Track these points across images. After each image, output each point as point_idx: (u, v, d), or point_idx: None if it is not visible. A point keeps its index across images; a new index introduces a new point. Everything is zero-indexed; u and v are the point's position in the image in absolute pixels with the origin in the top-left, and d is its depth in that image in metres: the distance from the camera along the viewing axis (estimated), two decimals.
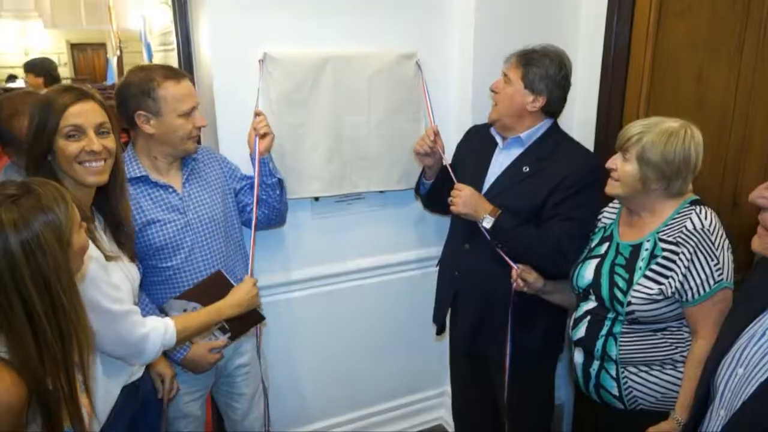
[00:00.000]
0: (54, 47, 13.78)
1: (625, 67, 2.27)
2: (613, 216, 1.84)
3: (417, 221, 2.62)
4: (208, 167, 2.00)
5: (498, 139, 2.04)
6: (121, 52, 11.24)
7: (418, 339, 2.75)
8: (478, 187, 2.00)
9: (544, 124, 1.96)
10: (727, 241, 1.60)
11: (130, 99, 1.78)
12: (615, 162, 1.69)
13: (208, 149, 2.08)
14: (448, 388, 2.86)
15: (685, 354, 1.65)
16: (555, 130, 1.98)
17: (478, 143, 2.13)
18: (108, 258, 1.45)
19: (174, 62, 2.64)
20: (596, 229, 1.87)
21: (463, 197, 1.93)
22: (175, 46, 2.54)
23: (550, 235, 1.87)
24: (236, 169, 2.10)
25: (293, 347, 2.53)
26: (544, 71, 1.89)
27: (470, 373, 2.26)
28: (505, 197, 1.95)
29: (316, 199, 2.40)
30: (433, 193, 2.19)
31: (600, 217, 1.88)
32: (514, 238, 1.90)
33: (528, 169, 1.93)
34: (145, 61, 8.99)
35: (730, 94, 1.95)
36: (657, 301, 1.61)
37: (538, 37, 2.18)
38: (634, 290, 1.64)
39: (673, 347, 1.66)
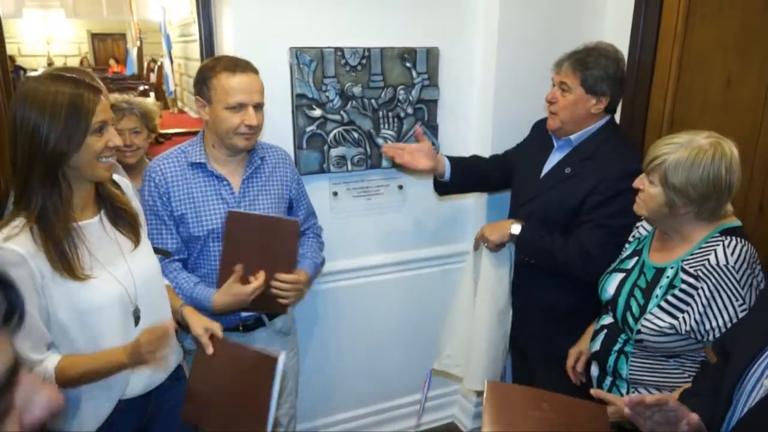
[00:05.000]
0: (75, 37, 13.95)
1: (651, 69, 2.24)
2: (650, 228, 1.74)
3: (436, 218, 2.61)
4: (275, 170, 1.98)
5: (554, 139, 2.03)
6: (141, 42, 11.34)
7: (435, 336, 2.73)
8: (531, 186, 2.03)
9: (598, 123, 1.94)
10: (756, 279, 1.45)
11: (195, 84, 1.84)
12: (642, 182, 1.58)
13: (282, 152, 2.05)
14: (462, 386, 2.86)
15: None
16: (607, 128, 1.95)
17: (538, 141, 2.13)
18: (82, 278, 1.37)
19: (194, 54, 2.65)
20: (631, 239, 1.77)
21: (489, 228, 2.00)
22: (197, 37, 2.56)
23: (578, 242, 1.85)
24: (299, 180, 2.09)
25: (310, 341, 2.53)
26: (604, 72, 1.85)
27: (517, 365, 2.28)
28: (544, 198, 1.97)
29: (335, 194, 2.40)
30: (456, 186, 2.22)
31: (638, 225, 1.78)
32: (539, 241, 1.90)
33: (569, 171, 1.92)
34: (164, 52, 9.07)
35: (760, 98, 1.91)
36: (667, 334, 1.51)
37: (563, 35, 2.16)
38: (645, 319, 1.55)
39: (686, 375, 1.56)
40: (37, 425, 0.70)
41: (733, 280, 1.44)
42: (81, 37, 14.10)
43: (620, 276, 1.70)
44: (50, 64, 12.64)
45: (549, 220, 1.95)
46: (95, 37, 14.24)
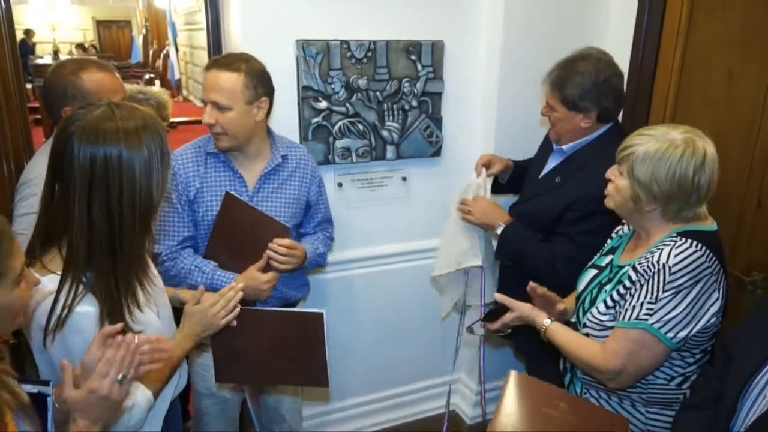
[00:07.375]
0: (80, 23, 13.92)
1: (654, 64, 2.25)
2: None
3: (439, 209, 2.62)
4: (296, 171, 1.97)
5: (554, 144, 2.04)
6: (147, 30, 11.32)
7: (437, 326, 2.78)
8: (529, 187, 2.07)
9: (596, 132, 1.90)
10: (697, 291, 1.36)
11: None
12: (614, 172, 1.50)
13: (303, 151, 2.05)
14: (463, 375, 2.91)
15: (644, 396, 1.49)
16: (605, 137, 1.89)
17: (545, 141, 2.15)
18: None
19: (200, 42, 2.67)
20: (614, 235, 1.71)
21: (481, 207, 2.03)
22: (204, 26, 2.58)
23: (549, 251, 1.89)
24: (321, 183, 2.08)
25: None
26: (580, 89, 1.79)
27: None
28: (531, 203, 2.01)
29: (340, 185, 2.43)
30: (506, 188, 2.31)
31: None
32: (513, 245, 1.97)
33: (559, 180, 1.94)
34: (170, 40, 9.05)
35: (761, 92, 1.93)
36: (608, 328, 1.48)
37: (567, 29, 2.17)
38: (591, 313, 1.53)
39: (633, 385, 1.49)
40: None
41: (661, 279, 1.37)
42: (86, 23, 14.07)
43: (593, 273, 1.65)
44: (56, 51, 12.61)
45: (535, 224, 1.97)
46: (100, 24, 14.21)
